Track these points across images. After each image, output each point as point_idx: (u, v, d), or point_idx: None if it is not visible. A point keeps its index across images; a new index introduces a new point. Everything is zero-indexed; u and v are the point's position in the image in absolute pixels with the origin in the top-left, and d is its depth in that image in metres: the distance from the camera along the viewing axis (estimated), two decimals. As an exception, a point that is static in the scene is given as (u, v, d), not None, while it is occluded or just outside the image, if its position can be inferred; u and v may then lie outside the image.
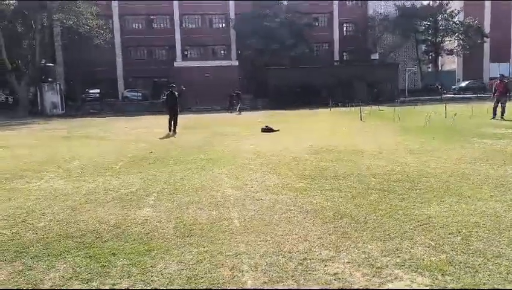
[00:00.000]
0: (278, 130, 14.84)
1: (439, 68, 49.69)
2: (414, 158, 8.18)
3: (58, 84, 33.76)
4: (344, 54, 48.88)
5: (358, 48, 46.80)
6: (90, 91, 39.66)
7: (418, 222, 4.42)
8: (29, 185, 6.95)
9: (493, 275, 3.14)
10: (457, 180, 6.19)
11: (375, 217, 4.62)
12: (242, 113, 28.64)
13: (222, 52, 48.02)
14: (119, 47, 45.66)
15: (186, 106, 34.00)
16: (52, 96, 32.91)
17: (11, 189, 6.69)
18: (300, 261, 3.51)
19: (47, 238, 4.30)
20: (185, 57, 46.64)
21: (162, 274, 3.35)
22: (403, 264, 3.39)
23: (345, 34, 49.34)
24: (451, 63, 51.99)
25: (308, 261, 3.52)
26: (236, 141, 12.01)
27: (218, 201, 5.51)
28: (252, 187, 6.26)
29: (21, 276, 3.41)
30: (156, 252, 3.81)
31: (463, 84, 45.42)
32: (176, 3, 46.05)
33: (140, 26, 46.95)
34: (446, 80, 46.82)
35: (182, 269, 3.42)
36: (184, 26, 47.04)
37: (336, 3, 48.52)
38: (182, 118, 24.34)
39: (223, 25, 47.66)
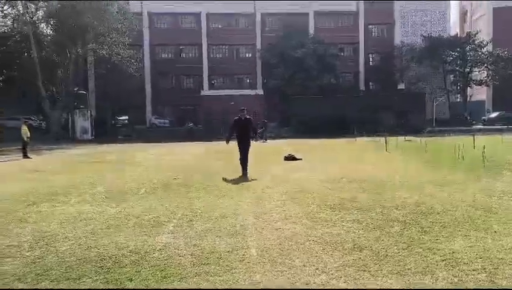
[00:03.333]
0: (300, 159, 14.80)
1: (468, 98, 48.84)
2: (439, 190, 7.98)
3: (89, 111, 34.90)
4: (370, 83, 48.80)
5: (384, 77, 46.69)
6: (119, 118, 40.74)
7: (441, 256, 4.28)
8: (55, 208, 7.13)
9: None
10: (483, 214, 6.00)
11: (396, 250, 4.51)
12: (267, 141, 28.78)
13: (248, 81, 48.77)
14: (149, 75, 47.03)
15: (213, 133, 34.52)
16: (83, 122, 33.99)
17: (38, 212, 6.87)
18: (317, 294, 3.45)
19: (68, 262, 4.38)
20: (211, 86, 47.56)
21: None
22: (423, 300, 3.29)
23: (370, 63, 49.45)
24: (480, 94, 51.02)
25: (325, 294, 3.45)
26: (259, 169, 12.00)
27: (236, 229, 5.50)
28: (272, 216, 6.23)
29: (40, 299, 3.48)
30: (172, 279, 3.82)
31: (493, 115, 44.42)
32: (204, 34, 47.42)
33: (169, 56, 48.35)
34: (475, 111, 45.95)
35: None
36: (211, 56, 48.20)
37: (361, 34, 48.87)
38: (208, 145, 24.79)
39: (249, 55, 48.60)
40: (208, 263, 4.24)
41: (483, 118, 44.45)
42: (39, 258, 4.50)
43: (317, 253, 4.49)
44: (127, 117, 41.23)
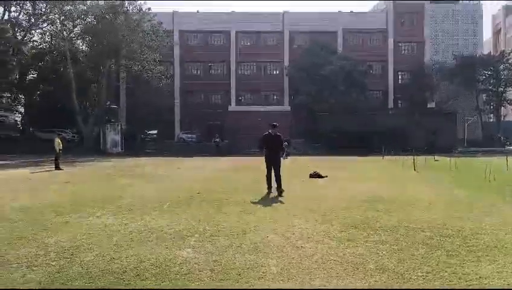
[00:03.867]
0: (326, 177, 14.67)
1: (502, 118, 47.49)
2: (468, 213, 7.74)
3: (119, 125, 35.80)
4: (399, 102, 48.19)
5: (414, 95, 46.03)
6: (148, 132, 41.58)
7: (467, 281, 4.14)
8: (82, 219, 7.30)
9: None
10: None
11: (420, 274, 4.39)
12: (288, 158, 28.70)
13: (275, 97, 49.06)
14: (178, 91, 48.02)
15: (239, 148, 34.73)
16: (113, 136, 34.88)
17: (65, 223, 7.06)
18: (334, 315, 3.39)
19: (91, 273, 4.46)
20: (238, 102, 48.05)
21: None
22: (445, 326, 3.18)
23: (400, 81, 48.91)
24: (514, 114, 49.58)
25: (343, 315, 3.39)
26: (284, 185, 11.96)
27: (257, 246, 5.49)
28: (294, 234, 6.19)
29: (61, 308, 3.56)
30: (192, 293, 3.84)
31: (527, 135, 43.00)
32: (233, 51, 48.15)
33: (198, 72, 49.30)
34: (509, 131, 44.56)
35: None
36: (239, 72, 48.84)
37: (390, 52, 48.50)
38: (233, 160, 24.93)
39: (277, 71, 48.98)
40: (227, 279, 4.24)
41: (518, 138, 43.06)
42: (64, 268, 4.61)
43: (338, 273, 4.43)
44: (156, 132, 42.04)
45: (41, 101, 44.01)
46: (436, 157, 24.86)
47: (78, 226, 6.78)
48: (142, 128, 42.66)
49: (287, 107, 42.44)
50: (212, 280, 4.22)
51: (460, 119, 41.68)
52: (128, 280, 4.21)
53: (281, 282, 4.15)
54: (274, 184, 10.53)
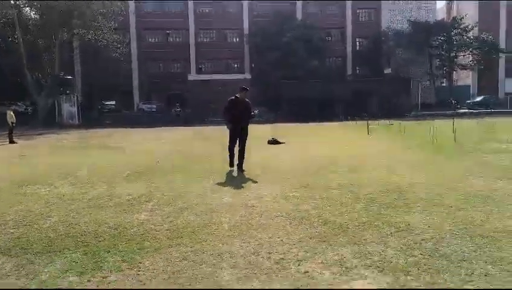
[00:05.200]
0: (283, 143, 15.14)
1: (454, 83, 49.51)
2: (409, 171, 8.38)
3: (75, 96, 34.83)
4: (357, 68, 49.16)
5: (371, 62, 47.08)
6: (106, 103, 40.64)
7: (396, 228, 4.66)
8: (40, 190, 7.37)
9: (452, 276, 3.37)
10: (445, 192, 6.39)
11: (356, 224, 4.87)
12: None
13: (236, 66, 48.81)
14: (136, 60, 46.83)
15: (201, 118, 34.65)
16: (69, 108, 33.94)
17: (23, 194, 7.11)
18: (277, 261, 3.79)
19: (50, 237, 4.66)
20: (199, 71, 47.51)
21: (148, 269, 3.67)
22: (371, 265, 3.65)
23: (358, 48, 49.75)
24: (465, 78, 51.74)
25: (285, 260, 3.80)
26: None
27: (212, 207, 5.82)
28: (247, 195, 6.57)
29: (23, 268, 3.77)
30: (146, 250, 4.14)
31: (478, 99, 45.16)
32: (191, 18, 47.16)
33: (156, 40, 48.09)
34: (460, 95, 46.56)
35: (167, 265, 3.74)
36: (199, 40, 48.05)
37: (349, 19, 49.03)
38: (194, 130, 24.97)
39: (237, 39, 48.55)
40: (181, 237, 4.56)
41: (468, 102, 45.14)
42: (23, 235, 4.78)
43: (284, 227, 4.84)
44: (113, 102, 41.14)
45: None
46: (391, 122, 25.90)
47: (36, 196, 6.87)
48: (99, 100, 41.61)
49: (247, 76, 42.41)
50: (168, 238, 4.53)
51: (415, 85, 43.17)
52: (87, 242, 4.45)
53: (231, 237, 4.51)
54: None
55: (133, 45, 46.51)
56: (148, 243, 4.37)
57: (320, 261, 3.78)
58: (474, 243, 4.14)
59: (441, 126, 18.67)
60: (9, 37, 37.02)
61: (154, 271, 3.62)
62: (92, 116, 36.24)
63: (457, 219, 4.94)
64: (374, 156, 10.83)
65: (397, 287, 3.19)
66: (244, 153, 9.25)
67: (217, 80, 38.12)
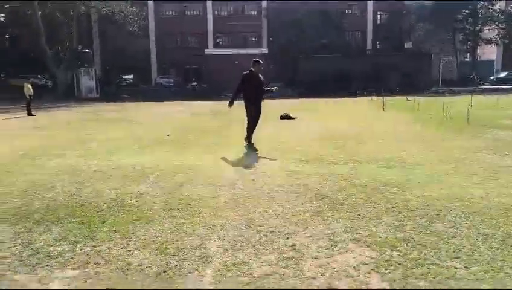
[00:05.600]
0: (296, 118, 15.04)
1: (477, 58, 47.96)
2: (416, 147, 8.24)
3: (93, 70, 35.05)
4: (377, 42, 47.97)
5: (391, 36, 45.83)
6: (124, 77, 40.85)
7: (392, 204, 4.61)
8: (49, 162, 7.53)
9: (440, 253, 3.33)
10: (449, 170, 6.27)
11: (354, 199, 4.84)
12: (265, 101, 28.87)
13: (253, 39, 48.18)
14: (153, 34, 46.65)
15: (217, 92, 34.57)
16: (87, 81, 34.24)
17: (32, 165, 7.28)
18: (265, 234, 3.81)
19: (50, 207, 4.78)
20: (216, 45, 47.11)
21: (139, 239, 3.73)
22: (359, 240, 3.63)
23: (378, 22, 48.39)
24: (490, 53, 49.99)
25: (274, 233, 3.82)
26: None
27: (214, 181, 5.85)
28: (250, 169, 6.58)
29: (19, 236, 3.89)
30: (140, 221, 4.20)
31: (501, 75, 43.72)
32: (208, -10, 46.54)
33: (173, 14, 47.68)
34: (484, 70, 45.19)
35: (158, 236, 3.79)
36: (216, 14, 47.45)
37: (370, -9, 47.59)
38: (208, 105, 24.96)
39: (255, 13, 47.75)
40: (177, 209, 4.61)
41: (492, 77, 43.79)
42: (25, 204, 4.91)
43: (280, 201, 4.84)
44: (131, 76, 41.32)
45: (11, 47, 42.52)
46: (409, 98, 25.36)
47: (43, 167, 7.03)
48: (117, 74, 41.85)
49: (264, 50, 41.94)
50: (164, 209, 4.59)
51: (436, 60, 41.98)
52: (85, 212, 4.55)
53: (226, 210, 4.54)
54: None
55: (151, 19, 46.28)
56: (144, 214, 4.44)
57: (309, 235, 3.78)
58: (469, 220, 4.07)
59: (460, 102, 18.23)
60: (28, 11, 37.30)
61: (144, 241, 3.68)
62: (110, 91, 36.52)
63: (455, 196, 4.86)
64: (383, 132, 10.67)
65: (381, 263, 3.18)
66: (254, 128, 8.95)
67: (233, 55, 37.83)
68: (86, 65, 34.33)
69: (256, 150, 8.40)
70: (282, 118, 15.11)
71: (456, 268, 3.06)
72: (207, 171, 6.53)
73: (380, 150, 8.00)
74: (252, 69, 8.74)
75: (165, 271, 3.10)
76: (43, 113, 20.22)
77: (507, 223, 3.95)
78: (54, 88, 36.31)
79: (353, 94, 31.24)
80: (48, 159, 7.75)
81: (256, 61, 8.84)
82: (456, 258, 3.23)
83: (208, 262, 3.24)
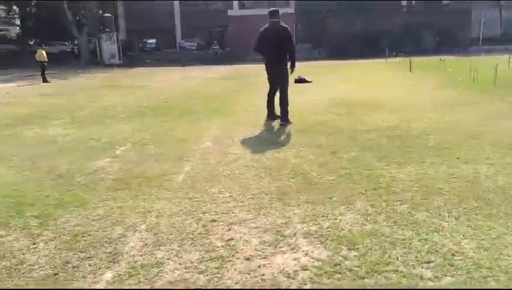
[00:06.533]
0: (311, 82, 14.08)
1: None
2: (431, 113, 7.28)
3: (115, 35, 34.57)
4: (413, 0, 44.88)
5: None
6: (148, 41, 40.28)
7: (375, 184, 3.83)
8: (28, 131, 7.12)
9: (408, 254, 2.58)
10: (460, 140, 5.36)
11: (333, 178, 4.09)
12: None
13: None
14: (177, -4, 45.50)
15: (240, 56, 33.48)
16: (110, 47, 33.88)
17: (8, 135, 6.88)
18: (205, 224, 3.15)
19: (-6, 183, 4.30)
20: (242, 6, 45.48)
21: (56, 228, 3.16)
22: (314, 233, 2.92)
23: (414, -24, 45.15)
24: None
25: (215, 223, 3.15)
26: (256, 93, 11.39)
27: (184, 154, 5.21)
28: (232, 141, 5.89)
29: None
30: (72, 204, 3.63)
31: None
32: None
33: (197, -26, 46.15)
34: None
35: (79, 225, 3.20)
36: (241, -28, 45.56)
37: None
38: (227, 69, 24.07)
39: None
40: (125, 188, 4.02)
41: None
42: (-31, 180, 4.46)
43: (245, 180, 4.15)
44: (154, 41, 40.67)
45: (37, 13, 42.63)
46: (443, 58, 23.58)
47: (18, 137, 6.61)
48: (141, 38, 41.28)
49: (290, 10, 40.01)
50: (108, 189, 4.01)
51: (477, 16, 38.93)
52: (22, 191, 4.02)
53: (177, 191, 3.90)
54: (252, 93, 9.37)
55: (174, -20, 45.00)
56: (82, 195, 3.87)
57: (256, 225, 3.10)
58: (461, 207, 3.26)
59: (492, 63, 16.60)
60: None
61: (59, 231, 3.10)
62: (133, 56, 36.17)
63: (458, 173, 4.02)
64: (401, 95, 9.67)
65: (327, 268, 2.46)
66: (286, 100, 6.88)
67: (257, 16, 36.21)
68: (107, 30, 33.87)
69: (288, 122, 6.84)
70: (296, 81, 14.15)
71: (422, 278, 2.32)
72: (184, 142, 5.90)
73: (390, 117, 7.09)
74: (273, 20, 6.82)
75: (56, 274, 2.51)
76: (60, 80, 20.02)
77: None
78: (80, 55, 36.29)
79: (383, 55, 29.50)
80: (28, 129, 7.34)
81: (271, 12, 6.88)
82: (428, 263, 2.47)
83: (114, 262, 2.62)
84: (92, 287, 2.38)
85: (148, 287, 2.36)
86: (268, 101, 7.20)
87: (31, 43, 44.43)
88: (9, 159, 5.26)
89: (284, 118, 6.87)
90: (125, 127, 7.16)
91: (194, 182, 4.14)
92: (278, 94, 7.11)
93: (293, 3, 43.69)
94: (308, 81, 14.08)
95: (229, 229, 3.04)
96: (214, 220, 3.20)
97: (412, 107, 8.05)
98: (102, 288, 2.37)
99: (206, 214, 3.32)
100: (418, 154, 4.76)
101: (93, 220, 3.29)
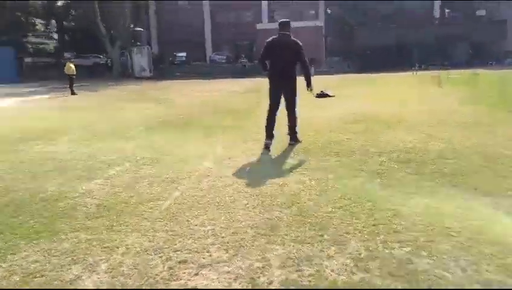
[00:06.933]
0: (333, 96, 13.61)
1: None
2: (453, 133, 6.71)
3: (146, 48, 35.23)
4: (446, 10, 43.62)
5: (462, 3, 41.39)
6: (178, 54, 40.83)
7: (376, 220, 3.37)
8: (33, 148, 6.98)
9: None
10: (480, 166, 4.81)
11: (330, 209, 3.66)
12: (314, 76, 27.38)
13: (311, 12, 45.87)
14: (208, 11, 46.04)
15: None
16: (140, 60, 34.52)
17: (10, 150, 6.77)
18: (172, 265, 2.78)
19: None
20: (271, 19, 45.49)
21: (11, 265, 2.86)
22: (292, 282, 2.51)
23: (449, -13, 43.93)
24: None
25: (184, 265, 2.78)
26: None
27: (178, 176, 4.88)
28: (235, 161, 5.54)
29: None
30: (42, 235, 3.35)
31: None
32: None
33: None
34: None
35: (36, 262, 2.90)
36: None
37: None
38: (253, 82, 23.85)
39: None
40: (103, 217, 3.73)
41: None
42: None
43: (235, 209, 3.78)
44: (185, 54, 41.17)
45: (73, 26, 44.13)
46: (476, 71, 22.59)
47: (18, 154, 6.46)
48: (172, 51, 41.89)
49: (318, 22, 39.69)
50: (87, 218, 3.71)
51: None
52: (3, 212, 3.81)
53: (154, 221, 3.58)
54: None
55: (206, -6, 45.58)
56: (58, 224, 3.60)
57: (229, 269, 2.71)
58: (470, 254, 2.77)
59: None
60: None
61: (10, 270, 2.80)
62: (164, 68, 36.68)
63: (474, 208, 3.51)
64: (424, 111, 9.09)
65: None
66: (295, 117, 6.33)
67: (285, 28, 36.10)
68: (138, 43, 34.54)
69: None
70: (318, 96, 13.71)
71: None
72: (183, 162, 5.59)
73: (407, 136, 6.57)
74: (283, 32, 6.17)
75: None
76: (89, 92, 20.37)
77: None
78: (112, 67, 37.15)
79: (413, 68, 28.63)
80: (35, 145, 7.21)
81: (281, 23, 6.28)
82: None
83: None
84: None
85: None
86: (269, 121, 6.28)
87: (68, 55, 45.94)
88: (3, 179, 5.10)
89: (293, 137, 6.42)
90: (130, 144, 6.94)
91: (178, 210, 3.81)
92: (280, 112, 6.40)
93: (323, 15, 43.41)
94: (330, 96, 13.64)
95: (197, 274, 2.68)
96: (184, 261, 2.84)
97: (433, 124, 7.50)
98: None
99: (178, 253, 2.97)
100: (431, 183, 4.27)
101: (54, 256, 2.99)
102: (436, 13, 43.06)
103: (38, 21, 44.75)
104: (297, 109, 6.39)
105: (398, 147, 5.90)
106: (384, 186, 4.21)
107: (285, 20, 6.38)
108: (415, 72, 25.26)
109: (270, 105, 6.31)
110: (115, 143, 7.08)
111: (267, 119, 6.28)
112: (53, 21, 45.54)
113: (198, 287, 2.52)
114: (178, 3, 38.55)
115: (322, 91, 13.99)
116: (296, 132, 6.43)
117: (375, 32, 36.37)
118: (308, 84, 6.25)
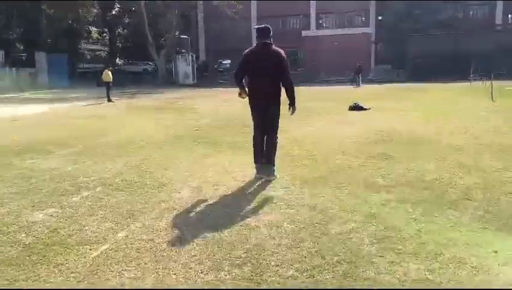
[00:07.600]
0: (368, 109, 12.51)
1: None
2: (489, 163, 5.57)
3: (190, 56, 35.40)
4: (509, 15, 40.42)
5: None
6: (223, 62, 40.78)
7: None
8: (23, 162, 6.58)
9: None
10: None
11: (292, 273, 2.82)
12: (362, 86, 26.10)
13: (360, 18, 44.29)
14: (255, 18, 45.72)
15: (313, 77, 32.16)
16: (184, 67, 34.72)
17: (6, 164, 6.44)
18: None
19: None
20: (319, 26, 44.42)
21: None
22: None
23: (513, -9, 40.72)
24: None
25: None
26: (304, 121, 10.10)
27: (142, 209, 4.21)
28: (216, 189, 4.80)
29: None
30: None
31: None
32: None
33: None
34: None
35: None
36: (320, -8, 44.61)
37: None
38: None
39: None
40: (20, 264, 3.11)
41: None
42: None
43: (174, 265, 3.03)
44: (229, 61, 41.04)
45: (124, 34, 45.52)
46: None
47: (11, 169, 6.10)
48: (219, 58, 41.92)
49: (368, 29, 38.10)
50: (4, 262, 3.12)
51: None
52: None
53: (74, 277, 2.90)
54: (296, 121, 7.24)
55: (253, 3, 45.31)
56: (18, 257, 3.02)
57: None
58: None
59: None
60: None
61: None
62: (207, 76, 36.72)
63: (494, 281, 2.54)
64: (463, 132, 7.89)
65: None
66: (274, 144, 5.27)
67: (332, 36, 35.01)
68: (182, 51, 34.79)
69: (270, 177, 5.14)
70: (351, 108, 12.68)
71: None
72: (161, 188, 4.91)
73: (441, 165, 5.51)
74: (263, 41, 5.18)
75: None
76: (128, 99, 20.48)
77: None
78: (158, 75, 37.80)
79: (469, 78, 26.53)
80: (26, 159, 6.79)
81: (262, 29, 5.25)
82: None
83: None
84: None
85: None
86: (255, 144, 5.31)
87: (120, 62, 47.48)
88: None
89: (270, 170, 5.16)
90: (119, 163, 6.37)
91: (105, 261, 3.09)
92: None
93: (374, 22, 41.71)
94: (364, 109, 12.54)
95: None
96: None
97: (468, 149, 6.37)
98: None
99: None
100: (435, 245, 3.27)
101: None
102: (498, 19, 40.03)
103: (92, 29, 46.55)
104: (278, 135, 5.34)
105: (415, 179, 4.89)
106: (372, 246, 3.27)
107: (263, 25, 5.32)
108: (471, 82, 23.35)
109: (254, 127, 5.37)
110: (108, 160, 6.55)
111: (254, 143, 5.34)
112: (106, 28, 47.24)
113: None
114: (226, 11, 38.39)
115: (355, 103, 12.95)
116: (273, 163, 5.20)
117: (429, 40, 34.27)
118: (292, 104, 5.18)
